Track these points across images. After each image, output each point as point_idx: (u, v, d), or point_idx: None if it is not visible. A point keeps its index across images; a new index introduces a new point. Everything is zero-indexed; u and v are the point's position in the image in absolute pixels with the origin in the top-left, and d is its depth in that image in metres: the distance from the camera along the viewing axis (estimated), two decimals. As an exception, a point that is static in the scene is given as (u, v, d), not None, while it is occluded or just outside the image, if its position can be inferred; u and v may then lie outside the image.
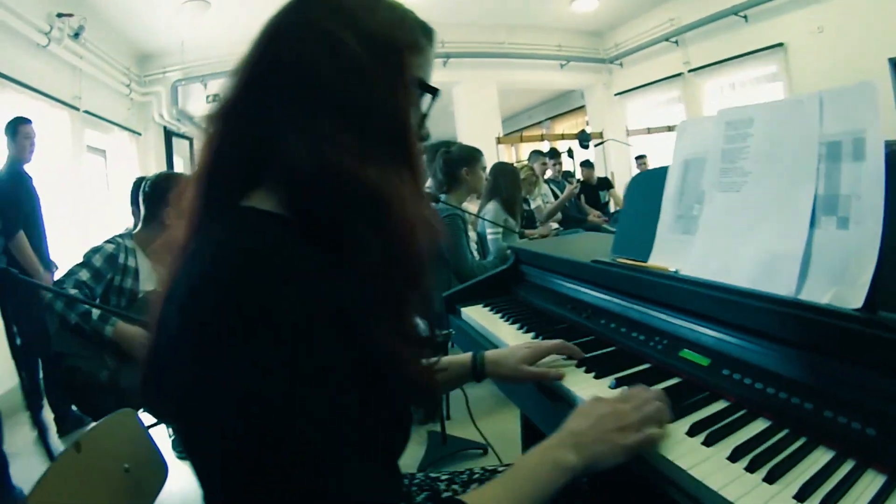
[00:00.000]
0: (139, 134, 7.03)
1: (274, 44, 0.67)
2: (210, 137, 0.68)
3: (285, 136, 0.63)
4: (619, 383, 0.91)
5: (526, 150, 9.43)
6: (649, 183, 1.24)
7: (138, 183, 2.96)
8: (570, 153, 7.10)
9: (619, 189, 7.22)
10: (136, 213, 2.89)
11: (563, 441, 0.68)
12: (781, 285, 0.81)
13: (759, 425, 0.73)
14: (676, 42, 7.77)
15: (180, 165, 7.99)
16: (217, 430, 0.52)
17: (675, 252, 1.08)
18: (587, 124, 9.98)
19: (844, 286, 0.73)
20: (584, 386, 0.94)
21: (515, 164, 5.95)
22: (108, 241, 2.30)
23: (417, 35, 0.71)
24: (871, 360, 0.65)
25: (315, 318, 0.55)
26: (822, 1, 5.98)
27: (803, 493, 0.57)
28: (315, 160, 0.61)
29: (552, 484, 0.64)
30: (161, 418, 0.81)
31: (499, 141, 7.67)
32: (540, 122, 11.93)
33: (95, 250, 2.24)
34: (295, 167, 0.62)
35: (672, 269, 1.06)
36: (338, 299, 0.58)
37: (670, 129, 7.51)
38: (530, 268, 1.61)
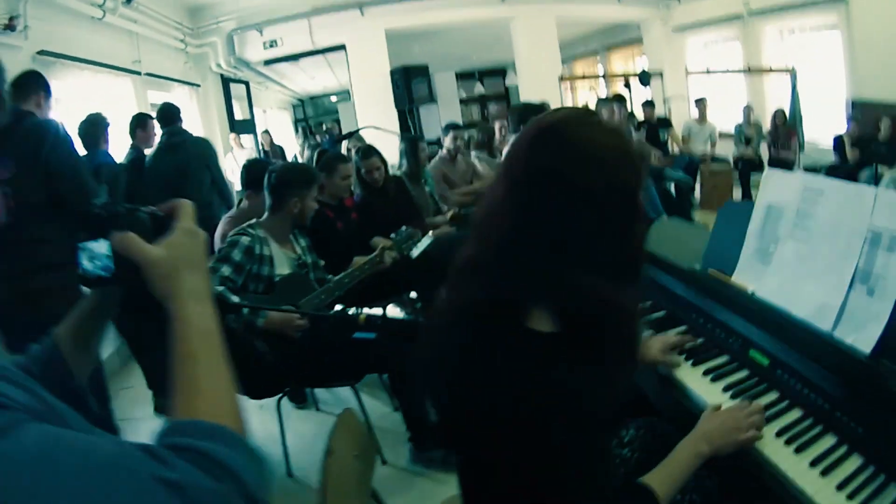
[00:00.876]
0: (198, 86, 7.41)
1: (540, 189, 0.90)
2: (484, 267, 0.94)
3: (565, 273, 0.89)
4: (707, 374, 1.43)
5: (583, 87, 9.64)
6: (738, 213, 1.68)
7: (249, 166, 3.42)
8: (627, 83, 7.34)
9: (678, 128, 7.53)
10: (251, 195, 3.23)
11: (700, 438, 1.13)
12: (823, 322, 1.28)
13: (796, 416, 1.24)
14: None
15: (238, 110, 8.49)
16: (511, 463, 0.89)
17: (754, 276, 1.54)
18: (643, 57, 10.12)
19: (862, 336, 1.19)
20: (686, 375, 1.46)
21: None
22: (241, 233, 2.53)
23: (640, 173, 0.97)
24: (869, 392, 1.13)
25: (581, 409, 0.89)
26: None
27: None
28: (592, 294, 0.90)
29: (693, 467, 1.08)
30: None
31: (562, 79, 7.88)
32: (595, 52, 11.98)
33: (233, 244, 2.47)
34: (578, 299, 0.91)
35: (750, 289, 1.53)
36: (589, 393, 0.90)
37: (728, 71, 7.66)
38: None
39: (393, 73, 7.93)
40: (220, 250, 2.49)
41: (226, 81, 8.10)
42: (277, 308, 2.33)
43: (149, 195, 3.69)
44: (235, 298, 2.29)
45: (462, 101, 11.30)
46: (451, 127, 5.05)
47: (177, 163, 3.98)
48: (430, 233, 3.45)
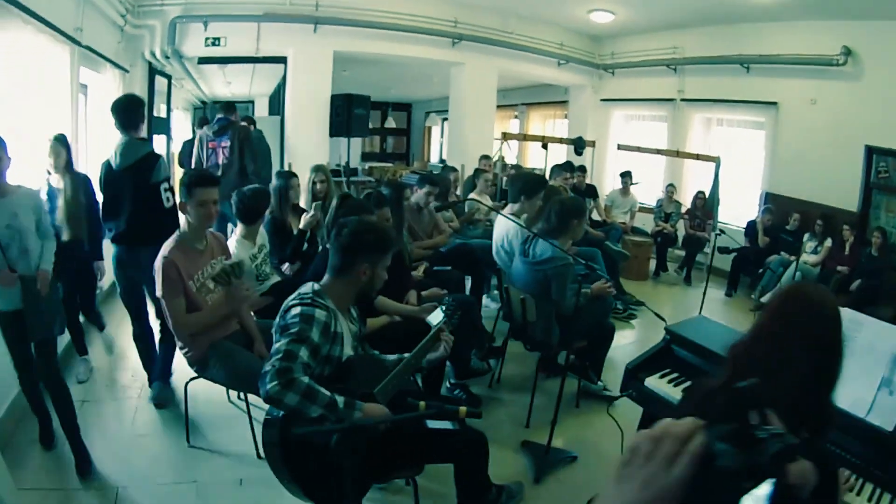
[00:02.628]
0: (127, 71, 6.97)
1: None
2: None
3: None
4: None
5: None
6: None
7: (253, 195, 3.93)
8: (545, 146, 8.08)
9: (602, 199, 8.44)
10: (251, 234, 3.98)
11: None
12: (859, 409, 1.96)
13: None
14: (675, 70, 8.92)
15: (160, 105, 8.23)
16: None
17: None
18: (565, 120, 11.08)
19: (886, 419, 1.90)
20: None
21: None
22: (313, 305, 2.25)
23: None
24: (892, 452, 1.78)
25: None
26: (822, 78, 7.31)
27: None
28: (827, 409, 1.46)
29: None
30: None
31: (505, 137, 8.52)
32: (514, 106, 12.84)
33: (307, 318, 2.19)
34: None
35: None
36: None
37: (659, 151, 8.66)
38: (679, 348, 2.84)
39: (335, 98, 7.97)
40: (292, 324, 2.18)
41: (153, 72, 7.76)
42: (371, 422, 2.07)
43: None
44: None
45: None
46: (427, 181, 5.31)
47: None
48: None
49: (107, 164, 3.76)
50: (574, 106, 10.83)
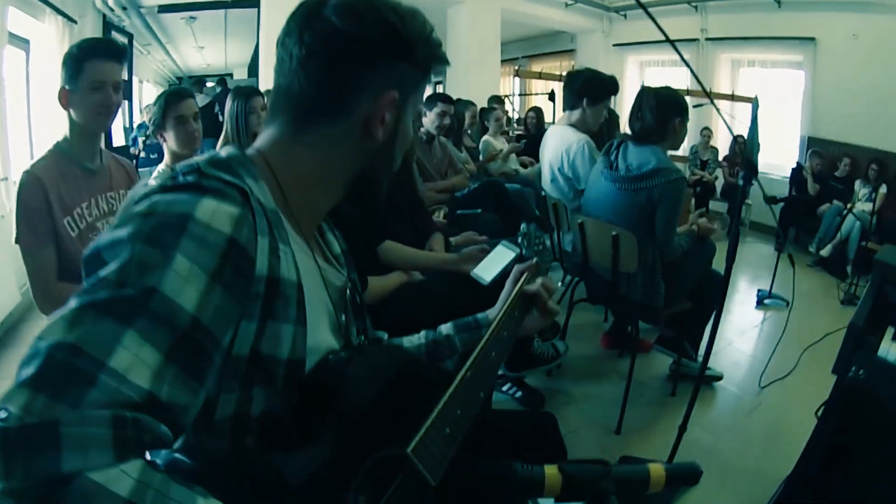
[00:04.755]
0: (75, 22, 5.89)
1: None
2: None
3: None
4: None
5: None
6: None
7: None
8: (552, 98, 7.25)
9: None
10: None
11: None
12: None
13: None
14: (696, 7, 8.12)
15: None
16: None
17: None
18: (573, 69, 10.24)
19: None
20: None
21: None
22: (199, 189, 0.82)
23: None
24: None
25: None
26: (863, 11, 6.63)
27: None
28: None
29: None
30: None
31: (517, 73, 7.78)
32: (514, 60, 12.01)
33: (168, 231, 0.80)
34: None
35: None
36: None
37: (688, 93, 7.89)
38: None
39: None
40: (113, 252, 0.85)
41: (107, 26, 6.83)
42: None
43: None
44: None
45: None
46: (440, 98, 4.10)
47: None
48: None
49: None
50: (582, 54, 9.99)
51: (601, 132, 5.45)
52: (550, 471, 0.85)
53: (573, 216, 2.99)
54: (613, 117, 4.42)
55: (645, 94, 2.77)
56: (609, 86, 3.36)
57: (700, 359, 2.99)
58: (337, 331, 1.04)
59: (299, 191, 0.94)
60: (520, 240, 1.54)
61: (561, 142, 3.31)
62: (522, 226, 1.60)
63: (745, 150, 6.87)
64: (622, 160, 2.73)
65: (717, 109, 2.13)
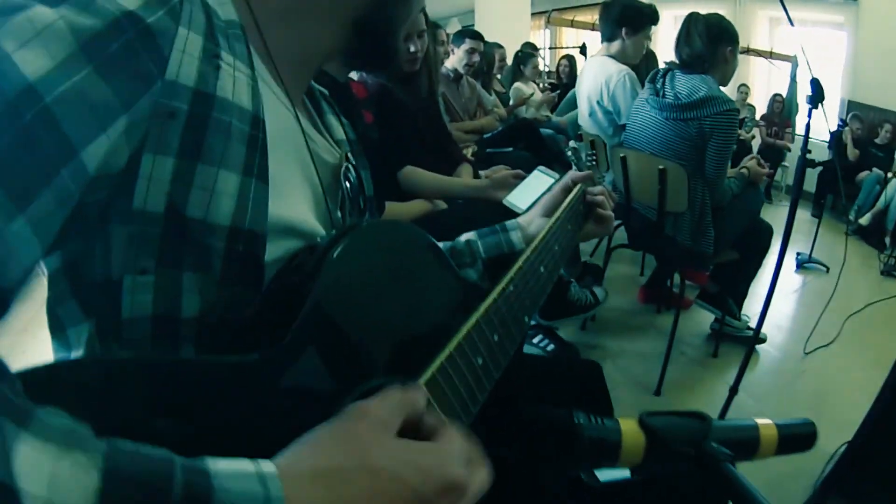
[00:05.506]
0: None
1: None
2: None
3: None
4: None
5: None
6: None
7: None
8: (584, 51, 6.98)
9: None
10: None
11: None
12: None
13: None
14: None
15: None
16: None
17: None
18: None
19: None
20: None
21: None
22: None
23: None
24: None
25: None
26: None
27: None
28: None
29: None
30: None
31: (549, 21, 7.47)
32: (543, 13, 11.61)
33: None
34: None
35: None
36: None
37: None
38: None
39: None
40: None
41: None
42: None
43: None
44: None
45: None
46: (469, 34, 3.91)
47: None
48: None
49: None
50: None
51: (640, 68, 5.18)
52: (629, 426, 0.61)
53: (613, 153, 2.80)
54: (652, 56, 4.17)
55: (693, 18, 2.57)
56: (649, 13, 3.14)
57: (743, 318, 2.87)
58: (323, 218, 0.76)
59: (280, 20, 0.69)
60: (569, 153, 1.38)
61: (601, 73, 3.13)
62: (571, 142, 1.50)
63: (784, 111, 6.68)
64: (670, 87, 2.54)
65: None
